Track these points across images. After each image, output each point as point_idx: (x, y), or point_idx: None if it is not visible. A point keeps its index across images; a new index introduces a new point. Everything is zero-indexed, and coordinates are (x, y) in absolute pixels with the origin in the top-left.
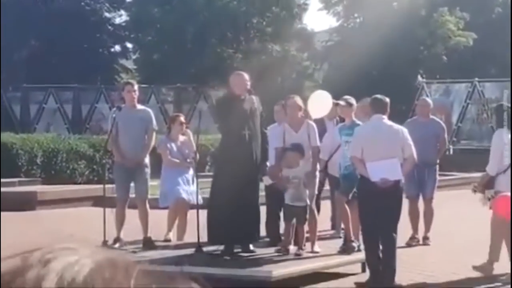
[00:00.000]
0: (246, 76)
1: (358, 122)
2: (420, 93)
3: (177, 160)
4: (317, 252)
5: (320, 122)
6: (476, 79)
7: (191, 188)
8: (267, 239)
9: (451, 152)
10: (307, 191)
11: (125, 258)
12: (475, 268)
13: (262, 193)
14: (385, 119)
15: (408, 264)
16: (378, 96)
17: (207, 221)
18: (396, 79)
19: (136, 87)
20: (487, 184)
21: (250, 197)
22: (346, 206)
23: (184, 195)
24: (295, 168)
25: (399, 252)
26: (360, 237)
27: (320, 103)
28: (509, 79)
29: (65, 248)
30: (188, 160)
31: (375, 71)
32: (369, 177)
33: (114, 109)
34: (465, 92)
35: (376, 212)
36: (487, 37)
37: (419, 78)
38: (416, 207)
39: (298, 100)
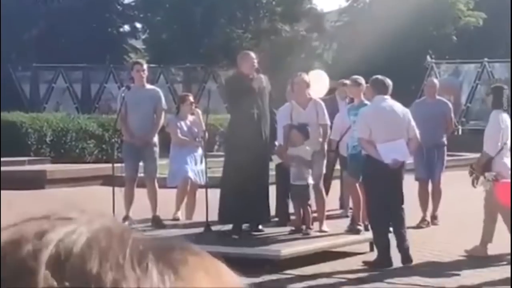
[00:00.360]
0: (254, 55)
1: (366, 102)
2: (429, 73)
3: (187, 138)
4: (325, 231)
5: (332, 102)
6: (486, 59)
7: (200, 167)
8: (276, 219)
9: (460, 132)
10: (310, 170)
11: (121, 225)
12: (468, 251)
13: (272, 172)
14: (389, 99)
15: (417, 243)
16: (379, 76)
17: (219, 201)
18: (406, 59)
19: (145, 66)
20: (485, 166)
21: (259, 176)
22: (358, 188)
23: (192, 175)
24: (299, 146)
25: (408, 233)
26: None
27: (317, 83)
28: None
29: (61, 218)
30: (197, 140)
31: (385, 51)
32: (381, 158)
33: (123, 88)
34: (475, 72)
35: (384, 192)
36: (497, 17)
37: (428, 58)
38: (426, 189)
39: (306, 77)
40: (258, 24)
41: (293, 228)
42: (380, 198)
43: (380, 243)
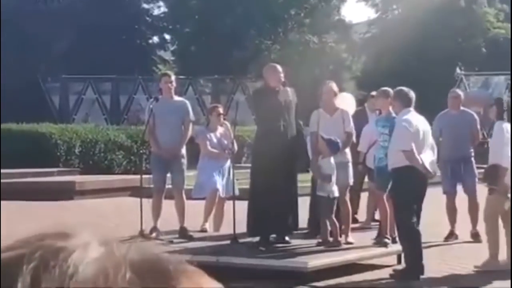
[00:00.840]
0: (280, 68)
1: (394, 114)
2: (458, 85)
3: (216, 151)
4: (351, 243)
5: (362, 114)
6: None
7: (228, 179)
8: (306, 230)
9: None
10: (332, 182)
11: (118, 249)
12: (477, 267)
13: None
14: (413, 111)
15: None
16: (404, 88)
17: (247, 213)
18: (435, 71)
19: (173, 78)
20: (500, 177)
21: (286, 188)
22: (386, 202)
23: (220, 186)
24: (325, 158)
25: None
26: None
27: (345, 106)
28: None
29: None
30: (227, 151)
31: (414, 63)
32: (426, 170)
33: (151, 100)
34: (504, 84)
35: (416, 203)
36: None
37: (458, 70)
38: (453, 203)
39: (334, 86)
40: (287, 35)
41: (320, 240)
42: (415, 209)
43: (413, 253)
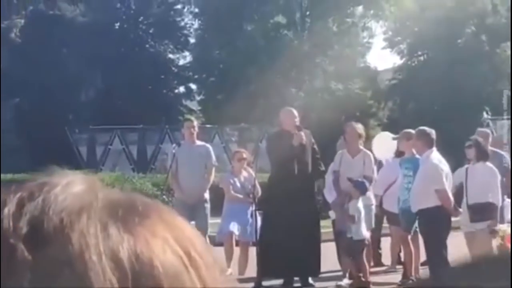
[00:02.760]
0: (295, 112)
1: (417, 156)
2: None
3: (241, 196)
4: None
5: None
6: None
7: (252, 224)
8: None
9: None
10: (361, 223)
11: (92, 187)
12: None
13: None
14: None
15: None
16: (426, 128)
17: (256, 253)
18: (461, 116)
19: (195, 123)
20: (495, 217)
21: (303, 231)
22: (410, 243)
23: (235, 230)
24: (353, 201)
25: None
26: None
27: (384, 144)
28: None
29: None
30: (250, 196)
31: (440, 108)
32: (456, 208)
33: (174, 145)
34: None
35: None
36: None
37: (485, 114)
38: None
39: (357, 127)
40: (312, 83)
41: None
42: (446, 247)
43: None
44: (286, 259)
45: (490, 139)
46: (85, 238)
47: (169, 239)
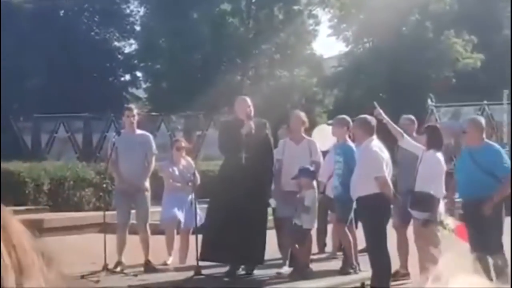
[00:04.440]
0: (249, 101)
1: (350, 143)
2: (429, 117)
3: (179, 184)
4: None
5: None
6: (485, 102)
7: (190, 211)
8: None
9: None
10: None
11: None
12: None
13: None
14: (376, 139)
15: None
16: (367, 116)
17: (196, 240)
18: (406, 103)
19: (135, 112)
20: (435, 208)
21: (247, 219)
22: (347, 231)
23: (180, 218)
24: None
25: None
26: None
27: (323, 137)
28: None
29: None
30: (189, 184)
31: (385, 95)
32: (395, 196)
33: (114, 134)
34: (474, 115)
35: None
36: (497, 59)
37: (429, 101)
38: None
39: (301, 115)
40: (258, 70)
41: (279, 271)
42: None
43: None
44: (230, 246)
45: (416, 126)
46: None
47: None
